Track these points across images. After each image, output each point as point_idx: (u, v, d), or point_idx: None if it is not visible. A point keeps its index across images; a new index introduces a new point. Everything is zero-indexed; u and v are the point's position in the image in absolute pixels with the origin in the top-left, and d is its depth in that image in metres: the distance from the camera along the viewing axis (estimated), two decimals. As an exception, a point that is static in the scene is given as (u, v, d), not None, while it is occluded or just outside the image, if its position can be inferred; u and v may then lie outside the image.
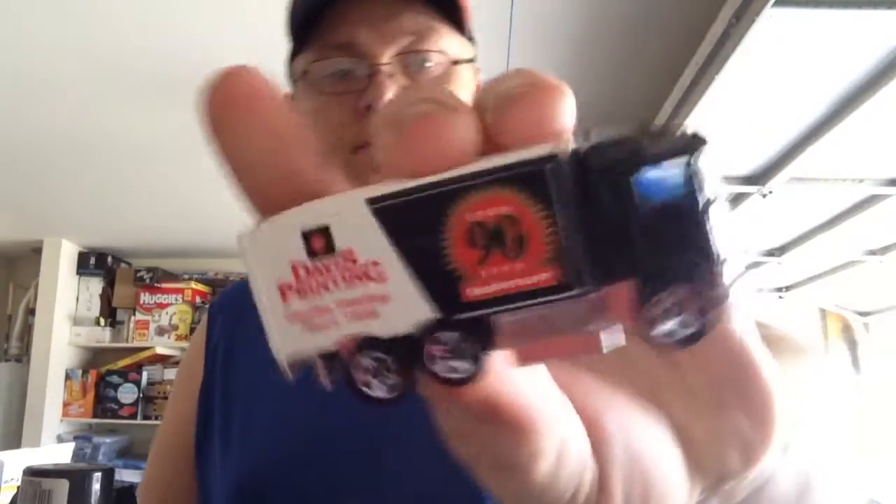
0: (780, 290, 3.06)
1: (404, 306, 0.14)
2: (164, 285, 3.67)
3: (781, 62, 1.24)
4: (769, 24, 1.10)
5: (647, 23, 1.52)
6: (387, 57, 0.52)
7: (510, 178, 0.13)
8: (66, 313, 3.58)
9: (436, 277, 0.14)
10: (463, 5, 0.55)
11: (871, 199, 1.87)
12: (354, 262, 0.14)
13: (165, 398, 3.55)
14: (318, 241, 0.14)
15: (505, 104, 0.14)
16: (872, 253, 2.35)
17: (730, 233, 0.14)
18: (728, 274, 0.14)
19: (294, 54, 0.59)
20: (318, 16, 0.55)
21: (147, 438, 3.51)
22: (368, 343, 0.14)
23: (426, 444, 0.46)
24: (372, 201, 0.14)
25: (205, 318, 0.66)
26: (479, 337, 0.14)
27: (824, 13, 1.08)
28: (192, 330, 3.61)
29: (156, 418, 3.52)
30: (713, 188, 0.13)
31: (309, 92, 0.56)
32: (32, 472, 0.57)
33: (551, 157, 0.13)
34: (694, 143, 0.13)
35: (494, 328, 0.14)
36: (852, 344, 3.37)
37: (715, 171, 0.14)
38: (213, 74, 0.15)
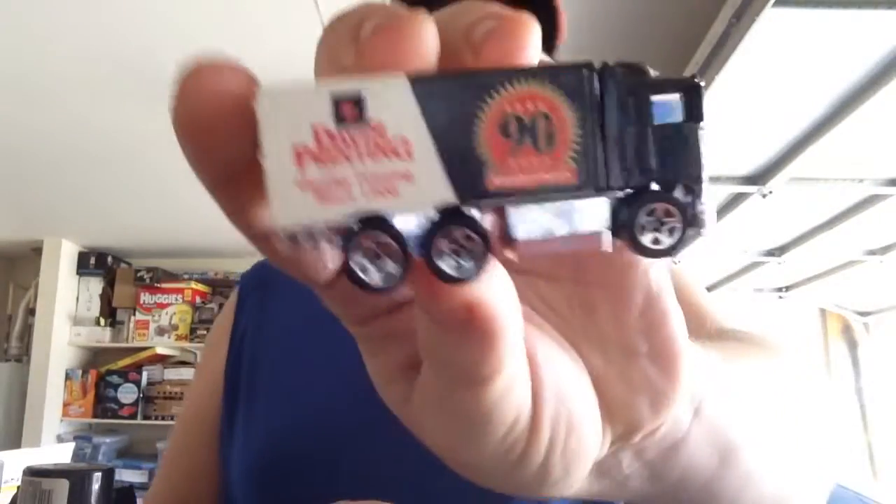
0: (780, 290, 3.06)
1: (426, 186, 0.14)
2: (164, 285, 3.67)
3: (781, 62, 1.24)
4: (769, 24, 1.10)
5: (646, 23, 1.52)
6: None
7: (551, 78, 0.15)
8: (66, 313, 3.58)
9: (463, 162, 0.14)
10: (559, 15, 0.55)
11: (871, 199, 1.87)
12: (383, 135, 0.14)
13: (166, 398, 3.55)
14: (349, 109, 0.14)
15: (479, 43, 0.14)
16: (872, 253, 2.35)
17: (708, 162, 0.16)
18: (707, 196, 0.16)
19: None
20: None
21: (147, 438, 3.51)
22: (377, 223, 0.14)
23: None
24: (414, 80, 0.14)
25: (233, 294, 0.66)
26: (486, 235, 0.15)
27: (824, 13, 1.08)
28: (192, 330, 3.62)
29: (156, 418, 3.52)
30: (704, 122, 0.16)
31: None
32: (32, 472, 0.57)
33: (588, 66, 0.15)
34: (695, 83, 0.16)
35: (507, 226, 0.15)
36: (852, 344, 3.37)
37: (705, 110, 0.16)
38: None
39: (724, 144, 1.56)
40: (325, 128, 0.14)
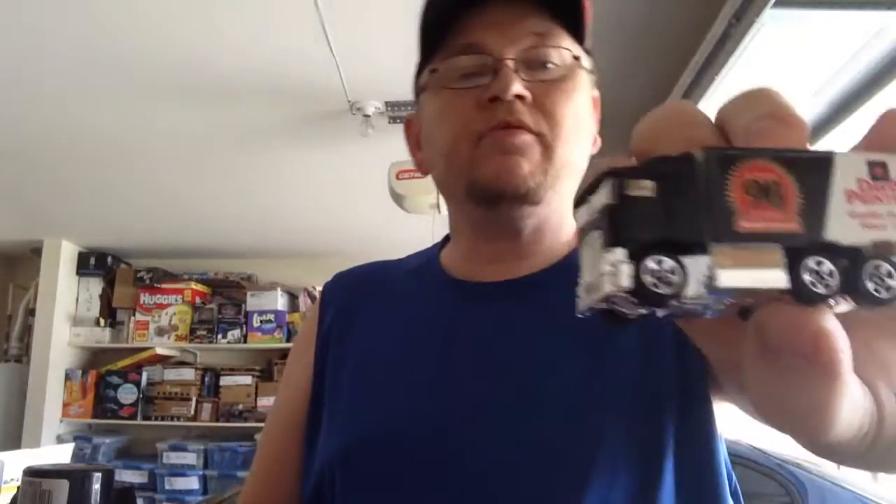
0: (780, 290, 3.06)
1: None
2: (164, 285, 3.67)
3: (781, 62, 1.24)
4: (769, 24, 1.10)
5: (647, 23, 1.52)
6: (511, 54, 0.55)
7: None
8: (65, 313, 3.58)
9: None
10: (586, 13, 0.57)
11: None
12: None
13: (165, 398, 3.55)
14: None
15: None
16: (872, 253, 2.35)
17: None
18: None
19: (421, 66, 0.62)
20: (450, 23, 0.58)
21: (147, 439, 3.52)
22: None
23: (518, 445, 0.50)
24: None
25: (315, 304, 0.70)
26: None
27: (824, 13, 1.08)
28: (192, 330, 3.62)
29: (155, 418, 3.52)
30: None
31: (437, 90, 0.59)
32: (32, 473, 0.57)
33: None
34: None
35: None
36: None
37: None
38: None
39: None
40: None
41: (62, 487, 0.55)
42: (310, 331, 0.67)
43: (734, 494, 0.52)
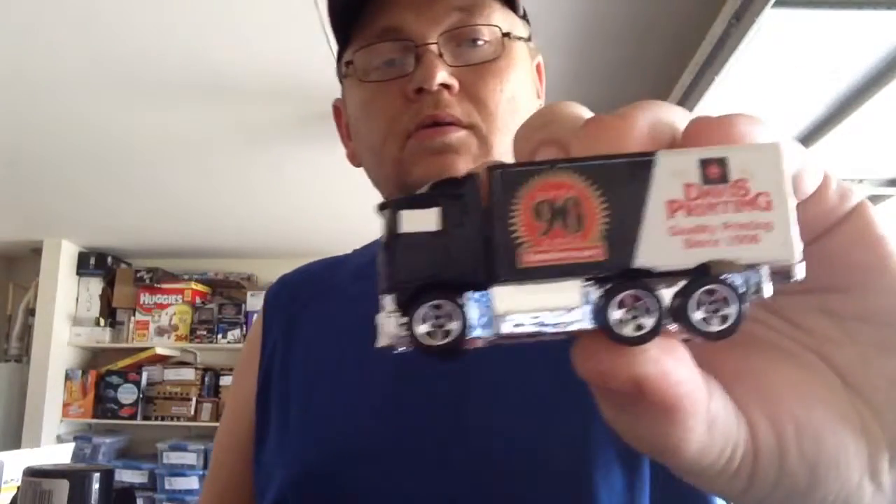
0: (780, 290, 3.06)
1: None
2: (164, 285, 3.67)
3: (781, 62, 1.24)
4: (769, 24, 1.10)
5: (647, 23, 1.52)
6: (434, 37, 0.50)
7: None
8: (66, 313, 3.58)
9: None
10: None
11: (871, 199, 1.87)
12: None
13: (165, 398, 3.55)
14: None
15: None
16: (872, 253, 2.35)
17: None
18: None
19: (341, 52, 0.57)
20: (361, 6, 0.52)
21: (147, 439, 3.51)
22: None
23: (490, 450, 0.47)
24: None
25: (260, 311, 0.65)
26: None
27: (824, 13, 1.08)
28: (192, 330, 3.62)
29: (155, 418, 3.52)
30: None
31: (357, 83, 0.54)
32: (32, 473, 0.57)
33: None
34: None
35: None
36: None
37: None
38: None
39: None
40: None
41: (62, 487, 0.55)
42: (254, 341, 0.63)
43: None
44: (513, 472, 0.47)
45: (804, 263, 0.15)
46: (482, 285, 0.16)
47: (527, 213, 0.16)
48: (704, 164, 0.16)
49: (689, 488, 0.47)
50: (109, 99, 1.94)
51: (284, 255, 3.85)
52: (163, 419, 3.52)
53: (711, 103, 1.38)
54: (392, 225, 0.16)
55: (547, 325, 0.16)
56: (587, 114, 0.18)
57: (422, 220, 0.16)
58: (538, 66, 0.60)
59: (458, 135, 0.50)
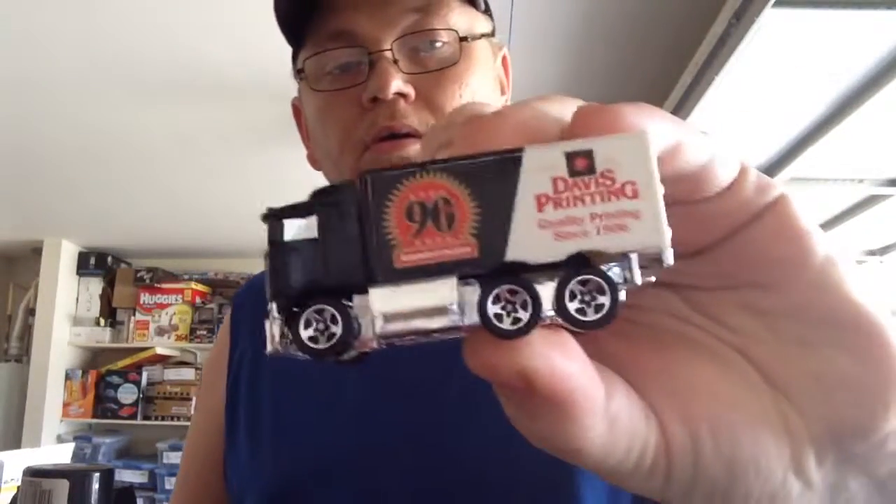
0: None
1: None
2: (164, 285, 3.67)
3: (781, 62, 1.24)
4: (769, 24, 1.10)
5: (646, 23, 1.52)
6: (388, 42, 0.48)
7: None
8: (66, 313, 3.58)
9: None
10: None
11: (871, 199, 1.87)
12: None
13: (165, 398, 3.55)
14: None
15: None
16: (872, 253, 2.35)
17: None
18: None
19: (295, 52, 0.54)
20: (311, 7, 0.50)
21: (147, 439, 3.51)
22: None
23: (470, 459, 0.46)
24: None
25: (227, 317, 0.64)
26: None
27: (824, 13, 1.08)
28: (192, 330, 3.62)
29: (156, 418, 3.52)
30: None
31: (310, 91, 0.52)
32: (32, 473, 0.57)
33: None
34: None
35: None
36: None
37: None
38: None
39: (724, 145, 1.56)
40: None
41: (62, 487, 0.55)
42: (221, 351, 0.61)
43: None
44: (494, 480, 0.46)
45: (672, 250, 0.15)
46: (362, 288, 0.16)
47: (399, 216, 0.16)
48: (570, 157, 0.16)
49: None
50: (109, 99, 1.94)
51: (284, 255, 3.85)
52: (163, 419, 3.52)
53: (711, 103, 1.38)
54: (274, 234, 0.17)
55: (431, 324, 0.16)
56: (485, 112, 0.18)
57: (302, 229, 0.17)
58: (504, 59, 0.58)
59: (415, 147, 0.48)
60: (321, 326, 0.16)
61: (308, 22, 0.51)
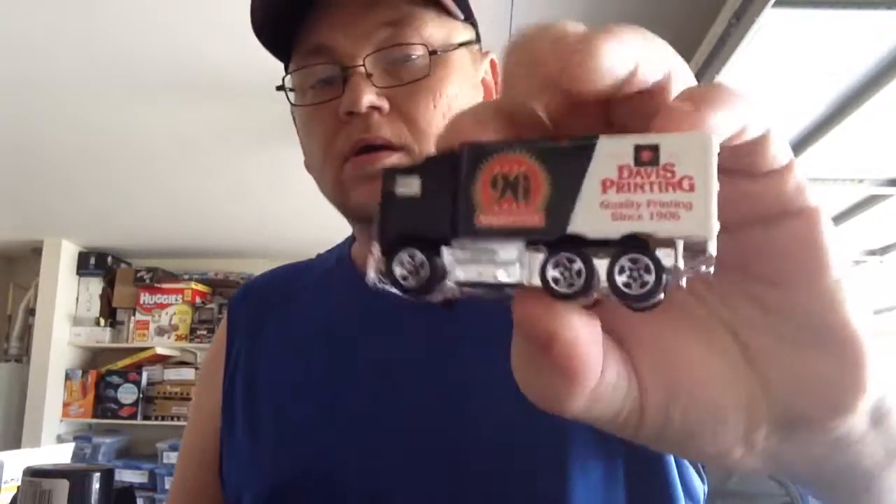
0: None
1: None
2: (164, 285, 3.67)
3: (781, 62, 1.24)
4: (769, 24, 1.10)
5: (646, 23, 1.51)
6: (361, 57, 0.50)
7: None
8: (66, 313, 3.58)
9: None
10: None
11: (871, 199, 1.87)
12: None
13: (166, 398, 3.55)
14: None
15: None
16: (872, 253, 2.35)
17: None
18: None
19: (285, 64, 0.57)
20: (290, 24, 0.53)
21: (147, 439, 3.51)
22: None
23: (465, 451, 0.48)
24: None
25: (224, 320, 0.65)
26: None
27: (824, 13, 1.08)
28: (192, 330, 3.62)
29: (156, 418, 3.52)
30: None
31: (296, 104, 0.55)
32: (32, 473, 0.57)
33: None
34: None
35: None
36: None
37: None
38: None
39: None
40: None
41: (62, 487, 0.55)
42: (219, 351, 0.63)
43: (684, 482, 0.51)
44: (489, 471, 0.48)
45: (716, 242, 0.17)
46: (447, 240, 0.19)
47: (485, 183, 0.19)
48: (638, 148, 0.17)
49: (661, 483, 0.49)
50: (109, 99, 1.94)
51: (284, 256, 3.85)
52: (163, 419, 3.52)
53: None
54: (387, 187, 0.20)
55: (499, 277, 0.18)
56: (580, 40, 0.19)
57: (408, 186, 0.20)
58: (492, 64, 0.59)
59: (390, 159, 0.50)
60: (411, 268, 0.19)
61: (289, 37, 0.53)
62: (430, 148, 0.49)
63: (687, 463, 0.52)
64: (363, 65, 0.50)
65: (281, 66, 0.59)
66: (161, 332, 3.61)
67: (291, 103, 0.55)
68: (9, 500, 1.33)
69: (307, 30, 0.52)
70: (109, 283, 3.75)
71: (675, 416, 0.20)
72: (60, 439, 3.42)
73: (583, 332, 0.18)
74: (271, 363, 0.58)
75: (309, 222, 3.27)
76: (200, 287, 3.72)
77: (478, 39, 0.57)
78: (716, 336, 0.21)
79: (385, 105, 0.50)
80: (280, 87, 0.55)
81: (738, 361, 0.20)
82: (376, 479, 0.49)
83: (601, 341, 0.19)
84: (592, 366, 0.18)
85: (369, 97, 0.49)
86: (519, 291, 0.19)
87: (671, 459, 0.49)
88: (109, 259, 3.74)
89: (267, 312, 0.61)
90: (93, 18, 1.55)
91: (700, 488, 0.53)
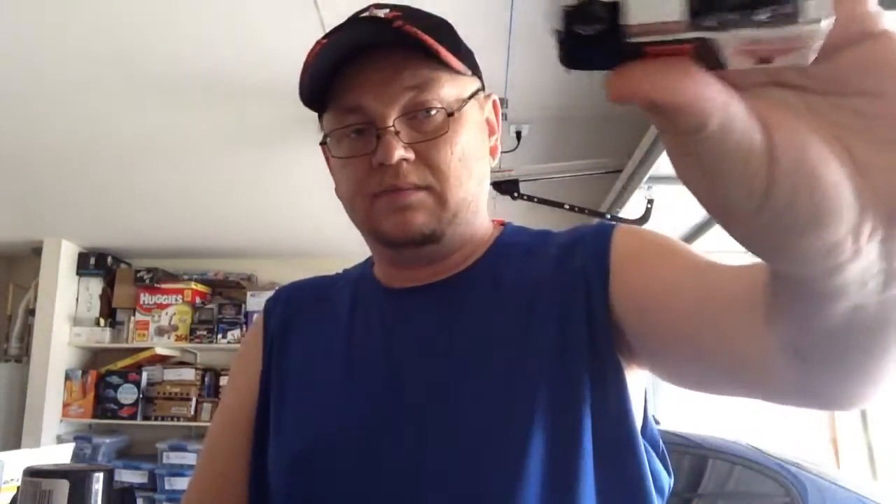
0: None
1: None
2: (164, 285, 3.67)
3: (781, 62, 1.24)
4: (769, 24, 1.10)
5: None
6: (391, 119, 0.60)
7: None
8: (66, 313, 3.58)
9: None
10: (445, 56, 0.60)
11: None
12: None
13: (165, 398, 3.55)
14: None
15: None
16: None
17: None
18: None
19: (319, 115, 0.67)
20: (329, 87, 0.62)
21: (147, 439, 3.52)
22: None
23: (466, 440, 0.56)
24: None
25: (259, 315, 0.76)
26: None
27: (824, 13, 1.08)
28: (192, 330, 3.62)
29: (155, 419, 3.52)
30: None
31: (336, 149, 0.65)
32: (32, 473, 0.57)
33: None
34: None
35: None
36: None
37: None
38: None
39: None
40: None
41: (62, 487, 0.55)
42: (256, 340, 0.73)
43: (657, 480, 0.58)
44: (456, 441, 0.57)
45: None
46: None
47: None
48: None
49: (632, 476, 0.56)
50: (109, 99, 1.94)
51: (284, 256, 3.86)
52: (163, 419, 3.52)
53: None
54: None
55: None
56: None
57: None
58: (494, 105, 0.70)
59: (417, 196, 0.61)
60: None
61: (327, 96, 0.63)
62: (450, 185, 0.62)
63: (654, 454, 0.59)
64: (393, 126, 0.60)
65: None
66: (161, 332, 3.61)
67: (331, 154, 0.65)
68: (9, 501, 1.33)
69: (343, 89, 0.61)
70: (109, 284, 3.75)
71: (801, 191, 0.23)
72: (60, 439, 3.42)
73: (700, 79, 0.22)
74: (299, 360, 0.69)
75: (309, 222, 3.27)
76: (200, 287, 3.72)
77: (482, 87, 0.68)
78: (828, 141, 0.24)
79: (411, 156, 0.60)
80: (323, 143, 0.66)
81: (846, 159, 0.24)
82: (350, 457, 0.60)
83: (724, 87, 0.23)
84: (712, 79, 0.22)
85: (399, 152, 0.59)
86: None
87: (642, 451, 0.56)
88: (109, 259, 3.74)
89: (299, 310, 0.73)
90: (94, 19, 1.55)
91: (666, 480, 0.61)
